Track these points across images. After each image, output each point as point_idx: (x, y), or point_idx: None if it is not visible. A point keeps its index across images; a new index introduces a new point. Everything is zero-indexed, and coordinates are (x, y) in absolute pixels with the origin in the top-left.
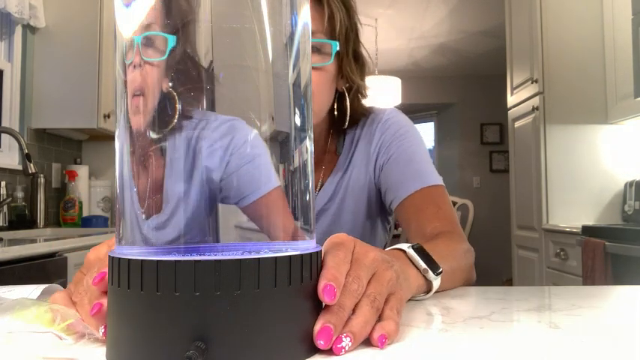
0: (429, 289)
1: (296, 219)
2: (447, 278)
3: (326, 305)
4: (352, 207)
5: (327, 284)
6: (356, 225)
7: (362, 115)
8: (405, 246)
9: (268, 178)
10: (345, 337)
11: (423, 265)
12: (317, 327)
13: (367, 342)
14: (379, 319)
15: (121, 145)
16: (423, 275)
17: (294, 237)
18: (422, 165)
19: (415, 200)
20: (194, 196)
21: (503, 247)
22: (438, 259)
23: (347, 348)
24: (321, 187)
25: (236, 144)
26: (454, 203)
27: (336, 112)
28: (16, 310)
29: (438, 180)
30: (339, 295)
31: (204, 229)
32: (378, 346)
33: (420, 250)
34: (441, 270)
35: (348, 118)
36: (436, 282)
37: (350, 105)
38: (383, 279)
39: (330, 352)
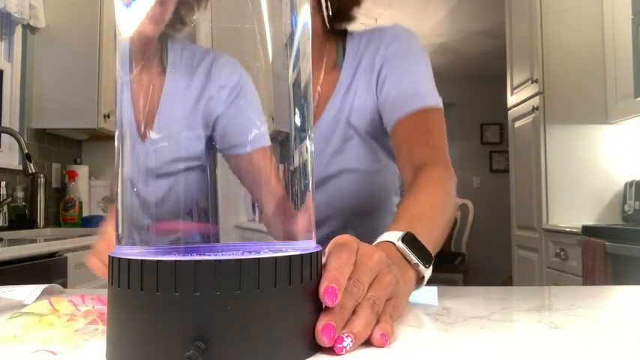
0: (420, 280)
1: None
2: (435, 245)
3: (327, 306)
4: (360, 135)
5: (329, 286)
6: (364, 163)
7: (354, 4)
8: (395, 237)
9: (265, 133)
10: (347, 337)
11: (414, 259)
12: (319, 325)
13: (367, 343)
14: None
15: (121, 145)
16: (414, 269)
17: (288, 222)
18: (422, 83)
19: (409, 122)
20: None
21: (503, 247)
22: (426, 232)
23: (348, 348)
24: (323, 109)
25: (242, 85)
26: None
27: (323, 3)
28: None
29: (437, 101)
30: (340, 296)
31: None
32: (381, 345)
33: (410, 241)
34: (432, 260)
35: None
36: (427, 273)
37: None
38: (383, 283)
39: (331, 351)
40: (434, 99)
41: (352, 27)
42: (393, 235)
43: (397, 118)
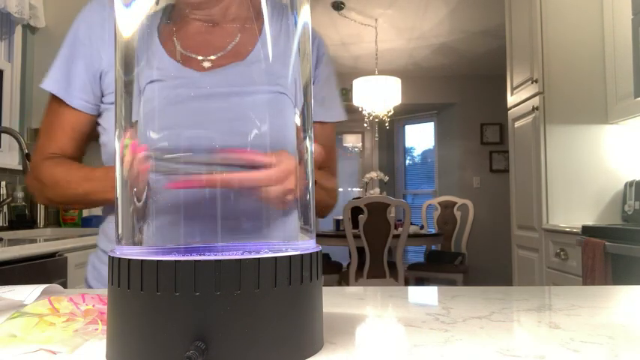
0: None
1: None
2: None
3: None
4: None
5: None
6: None
7: None
8: None
9: None
10: None
11: None
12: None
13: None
14: None
15: (120, 145)
16: None
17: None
18: (339, 99)
19: (331, 130)
20: None
21: (503, 247)
22: None
23: None
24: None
25: None
26: (454, 203)
27: None
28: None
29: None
30: None
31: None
32: None
33: None
34: None
35: None
36: None
37: None
38: None
39: (330, 352)
40: (343, 113)
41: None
42: None
43: (323, 119)
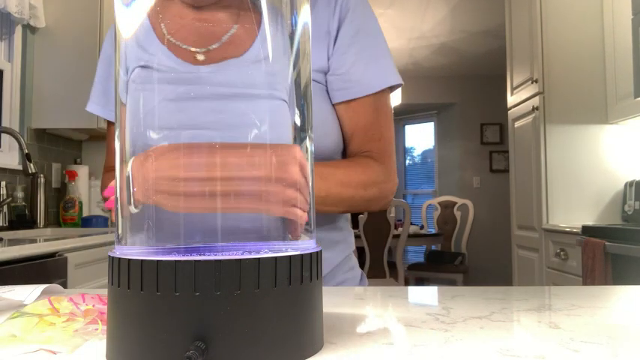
0: None
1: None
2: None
3: None
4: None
5: None
6: None
7: None
8: None
9: None
10: None
11: None
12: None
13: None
14: None
15: (121, 145)
16: None
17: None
18: (388, 60)
19: (367, 106)
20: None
21: (503, 247)
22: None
23: None
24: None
25: None
26: (454, 203)
27: None
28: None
29: (398, 78)
30: None
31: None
32: None
33: None
34: None
35: None
36: None
37: None
38: None
39: (330, 352)
40: (396, 75)
41: None
42: None
43: (360, 94)
